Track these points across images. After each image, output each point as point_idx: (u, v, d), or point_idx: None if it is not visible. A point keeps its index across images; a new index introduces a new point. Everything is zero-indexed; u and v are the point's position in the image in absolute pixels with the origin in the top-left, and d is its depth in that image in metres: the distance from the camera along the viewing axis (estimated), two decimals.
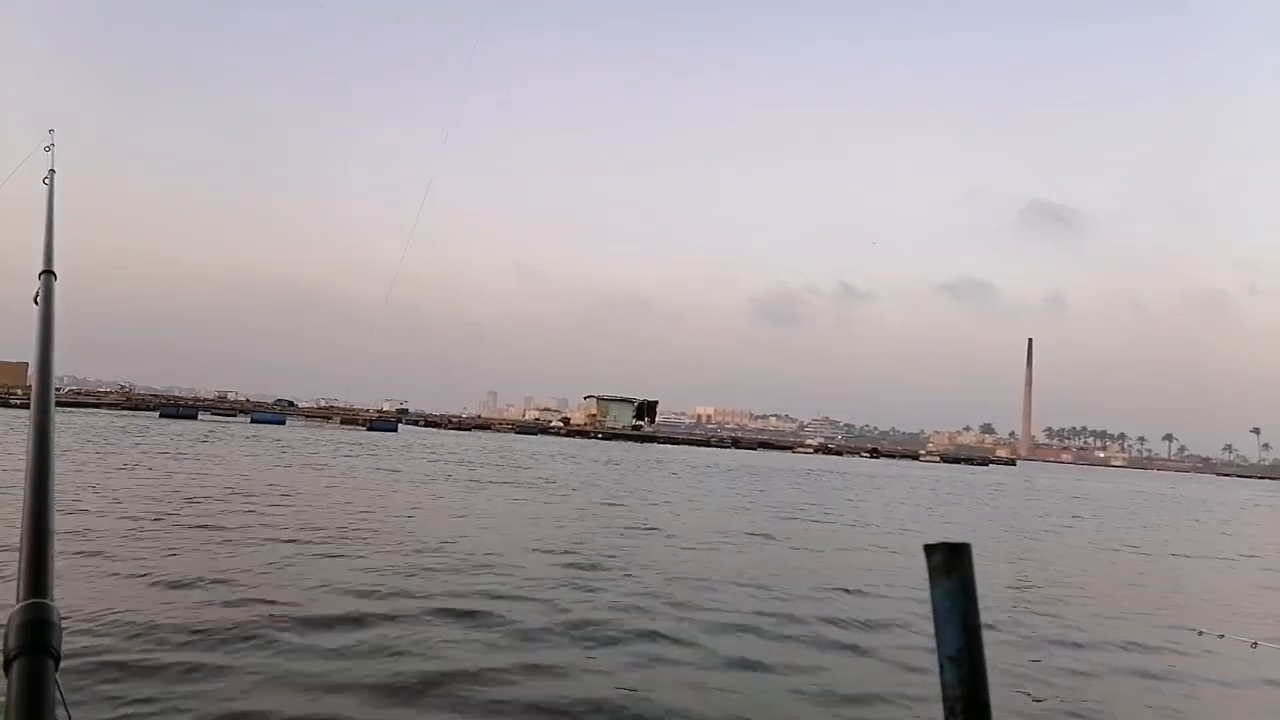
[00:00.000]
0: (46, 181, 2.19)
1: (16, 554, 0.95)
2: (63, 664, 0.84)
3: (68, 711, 0.88)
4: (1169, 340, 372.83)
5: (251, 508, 13.63)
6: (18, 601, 0.88)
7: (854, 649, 7.40)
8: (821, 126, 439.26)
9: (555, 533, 13.43)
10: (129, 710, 4.90)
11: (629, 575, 9.95)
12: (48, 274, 1.58)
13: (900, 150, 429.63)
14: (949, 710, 0.78)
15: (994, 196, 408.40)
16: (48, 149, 2.49)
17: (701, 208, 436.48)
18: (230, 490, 16.04)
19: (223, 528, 11.27)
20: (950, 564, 0.80)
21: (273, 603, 7.43)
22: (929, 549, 0.81)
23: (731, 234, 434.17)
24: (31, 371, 1.27)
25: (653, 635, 7.32)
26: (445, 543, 11.40)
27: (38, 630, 0.85)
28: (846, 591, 9.83)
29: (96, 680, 5.28)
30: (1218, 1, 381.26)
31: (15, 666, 0.82)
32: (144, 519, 11.60)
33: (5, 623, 0.85)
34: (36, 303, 1.46)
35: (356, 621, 7.06)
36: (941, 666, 0.79)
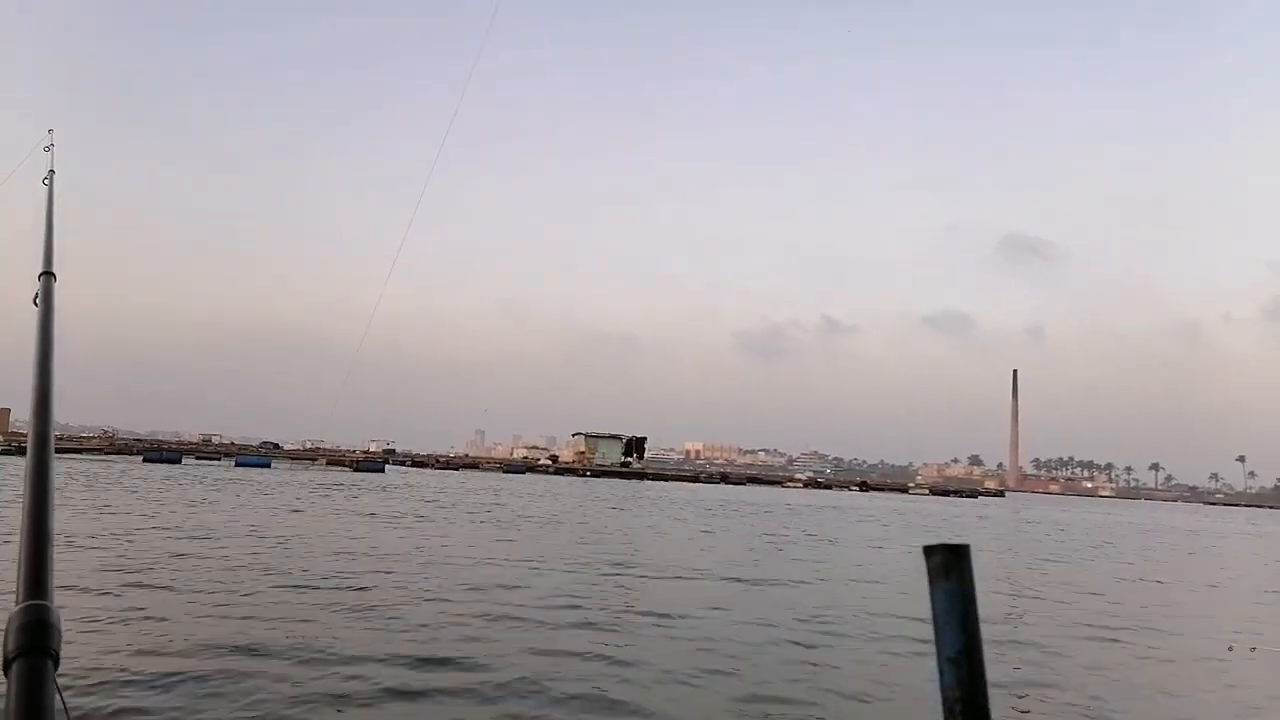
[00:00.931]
0: (46, 182, 2.19)
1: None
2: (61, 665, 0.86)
3: (67, 712, 0.89)
4: (1150, 370, 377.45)
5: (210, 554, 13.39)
6: (17, 603, 0.89)
7: None
8: (799, 161, 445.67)
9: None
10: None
11: None
12: (47, 275, 1.58)
13: (876, 184, 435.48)
14: (948, 712, 0.78)
15: (970, 230, 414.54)
16: (47, 149, 2.49)
17: (682, 243, 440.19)
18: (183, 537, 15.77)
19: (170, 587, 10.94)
20: (949, 565, 0.79)
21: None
22: (928, 550, 0.80)
23: (713, 269, 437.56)
24: (30, 373, 1.27)
25: None
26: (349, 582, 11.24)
27: (37, 632, 0.86)
28: None
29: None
30: (1188, 36, 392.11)
31: (15, 667, 0.83)
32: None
33: (5, 625, 0.86)
34: (36, 304, 1.46)
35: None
36: (940, 669, 0.78)
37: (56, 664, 0.85)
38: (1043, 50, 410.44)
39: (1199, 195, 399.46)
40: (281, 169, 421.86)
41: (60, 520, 1.15)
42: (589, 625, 9.36)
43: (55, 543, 0.99)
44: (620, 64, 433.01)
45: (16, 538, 0.99)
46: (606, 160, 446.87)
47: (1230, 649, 8.74)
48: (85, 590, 9.52)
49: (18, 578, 0.93)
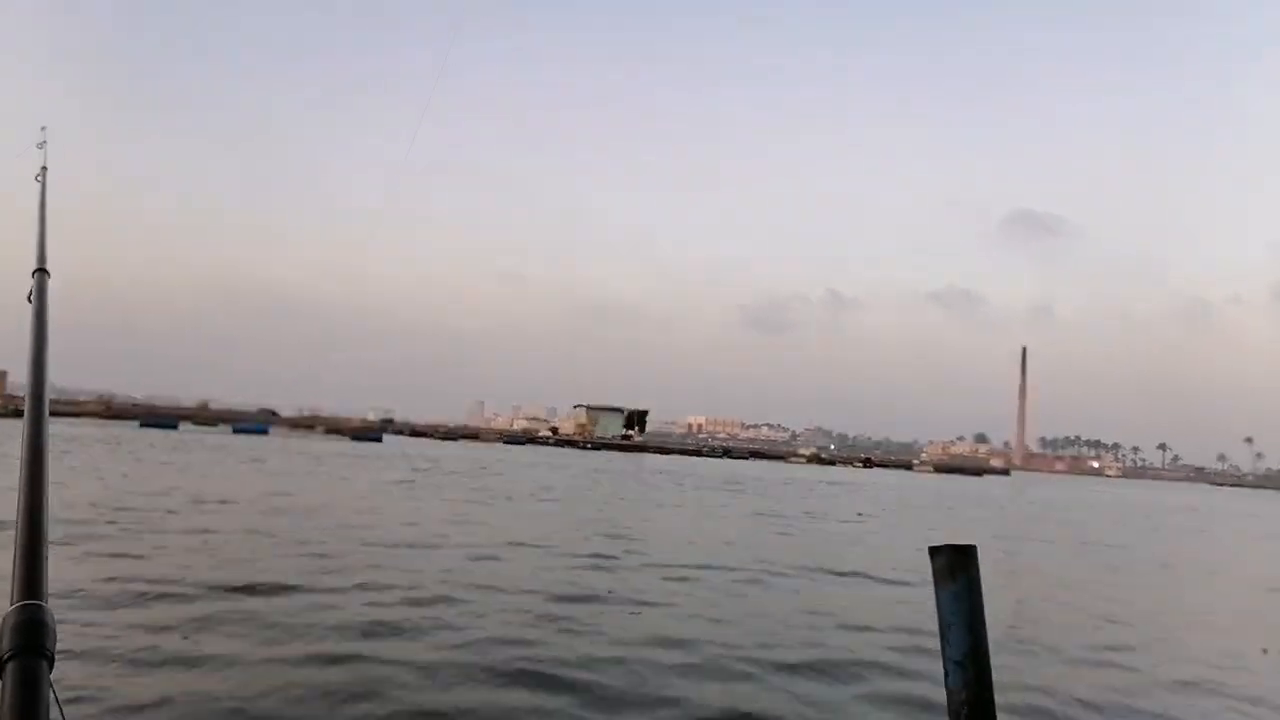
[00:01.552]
0: (39, 179, 2.19)
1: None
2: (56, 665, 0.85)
3: (61, 712, 0.87)
4: (1159, 349, 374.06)
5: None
6: (12, 604, 0.89)
7: None
8: (804, 133, 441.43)
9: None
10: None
11: None
12: (41, 272, 1.57)
13: (880, 158, 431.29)
14: (954, 715, 0.84)
15: (976, 205, 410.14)
16: (40, 146, 2.46)
17: (686, 214, 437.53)
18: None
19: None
20: (955, 566, 0.84)
21: None
22: (934, 551, 0.82)
23: (717, 240, 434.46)
24: (25, 370, 1.26)
25: None
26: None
27: (32, 632, 0.86)
28: None
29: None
30: (1202, 12, 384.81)
31: (10, 668, 0.83)
32: None
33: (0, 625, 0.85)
34: (30, 300, 1.46)
35: None
36: (946, 670, 0.83)
37: (51, 664, 0.85)
38: (1053, 24, 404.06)
39: (1210, 174, 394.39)
40: (282, 137, 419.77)
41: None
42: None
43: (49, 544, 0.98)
44: (631, 36, 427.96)
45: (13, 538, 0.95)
46: (609, 131, 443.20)
47: (1265, 651, 8.34)
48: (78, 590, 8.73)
49: (12, 577, 0.91)
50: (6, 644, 0.84)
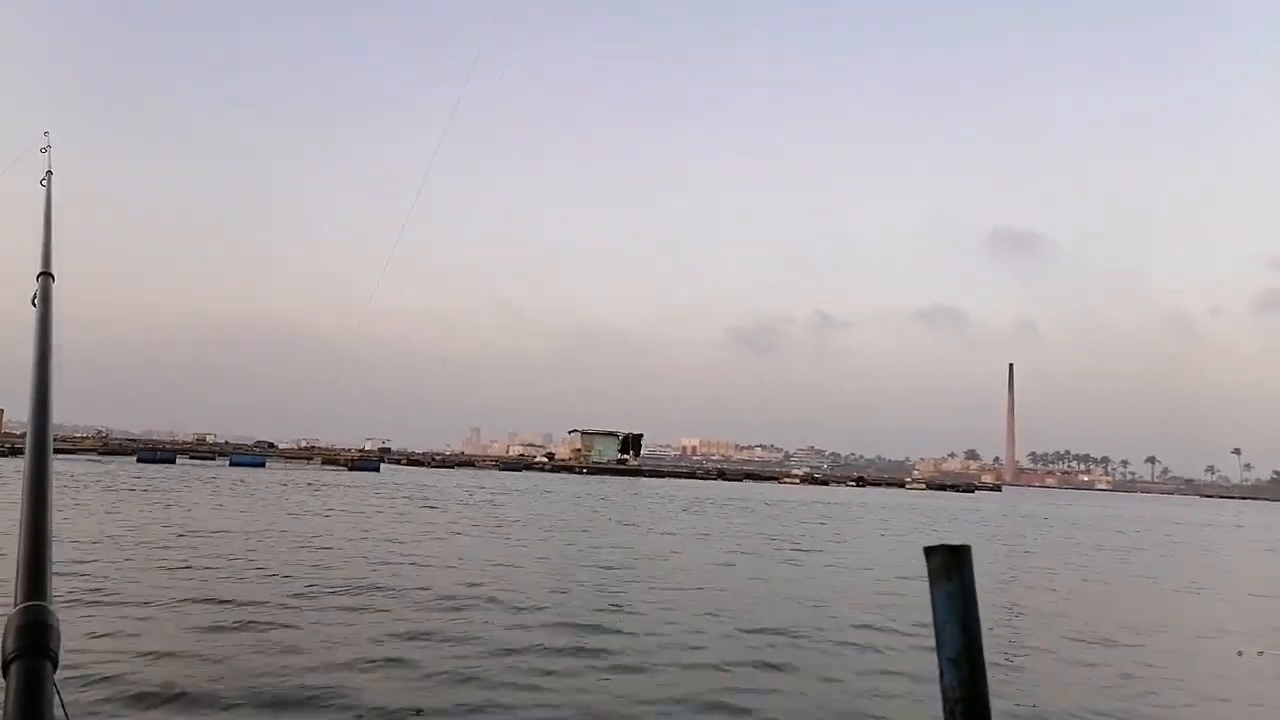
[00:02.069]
0: (44, 183, 2.22)
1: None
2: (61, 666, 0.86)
3: (65, 713, 0.89)
4: (1144, 363, 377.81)
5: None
6: (15, 604, 0.89)
7: None
8: (789, 156, 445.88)
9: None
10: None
11: None
12: (46, 275, 1.59)
13: (864, 179, 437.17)
14: (949, 713, 0.79)
15: (958, 223, 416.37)
16: (44, 150, 2.52)
17: (673, 239, 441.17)
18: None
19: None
20: (950, 566, 0.79)
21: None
22: (929, 551, 0.81)
23: (704, 264, 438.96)
24: (29, 374, 1.27)
25: None
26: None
27: (36, 633, 0.86)
28: None
29: None
30: (1180, 28, 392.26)
31: (13, 668, 0.83)
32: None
33: (4, 626, 0.86)
34: (34, 305, 1.47)
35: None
36: (941, 670, 0.79)
37: (55, 665, 0.86)
38: (1028, 42, 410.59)
39: (1189, 188, 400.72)
40: (277, 167, 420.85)
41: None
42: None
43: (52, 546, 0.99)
44: (611, 62, 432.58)
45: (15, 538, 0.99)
46: (599, 157, 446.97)
47: (1240, 654, 8.76)
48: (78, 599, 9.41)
49: (16, 579, 0.93)
50: (11, 645, 0.85)
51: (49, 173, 2.31)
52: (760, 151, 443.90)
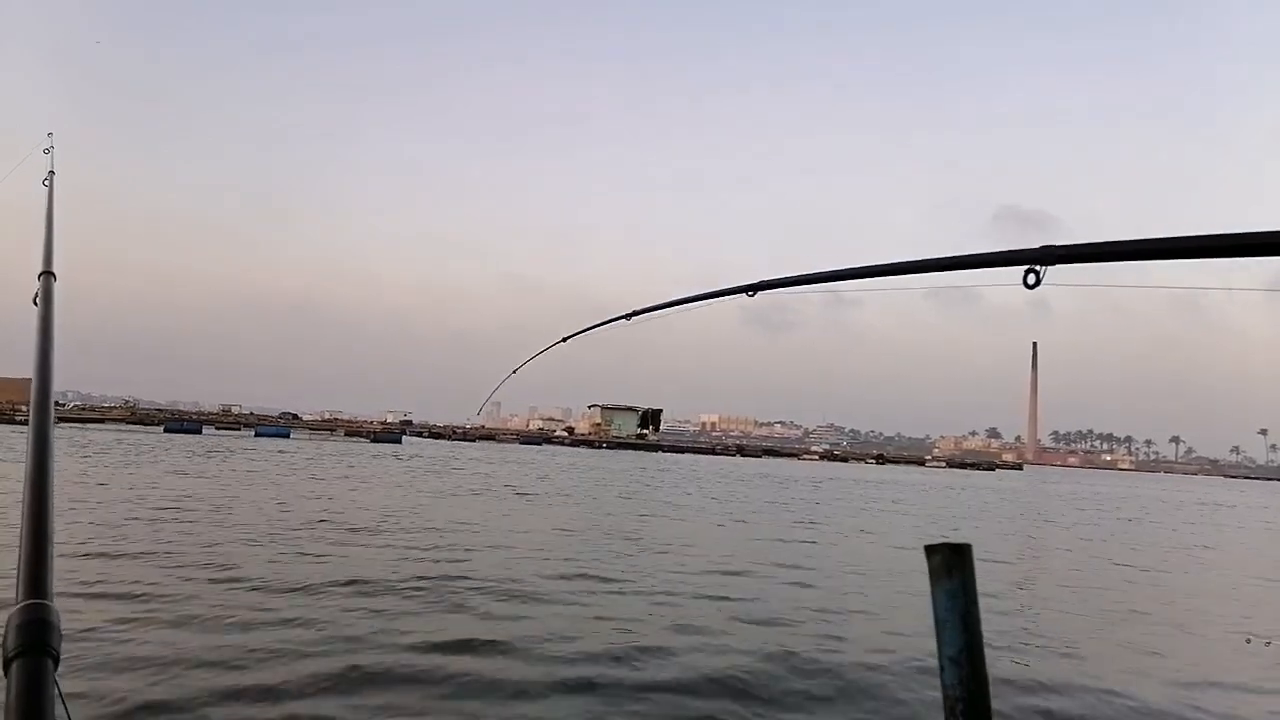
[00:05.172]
0: (46, 183, 2.23)
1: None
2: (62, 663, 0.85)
3: (67, 711, 0.89)
4: (1168, 343, 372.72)
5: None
6: (17, 602, 0.89)
7: None
8: (801, 133, 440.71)
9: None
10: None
11: None
12: (47, 275, 1.60)
13: (871, 157, 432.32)
14: (949, 712, 0.78)
15: (967, 202, 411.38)
16: (47, 151, 2.54)
17: (685, 218, 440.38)
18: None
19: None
20: (951, 565, 0.79)
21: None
22: (930, 549, 0.81)
23: (715, 243, 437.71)
24: (31, 372, 1.28)
25: None
26: None
27: (37, 630, 0.86)
28: None
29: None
30: (1190, 8, 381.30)
31: (15, 666, 0.83)
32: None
33: (5, 624, 0.86)
34: (36, 304, 1.47)
35: None
36: (942, 668, 0.79)
37: (57, 663, 0.86)
38: (1037, 23, 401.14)
39: (1205, 165, 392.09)
40: (298, 148, 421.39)
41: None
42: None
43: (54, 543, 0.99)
44: (633, 46, 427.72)
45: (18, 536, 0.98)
46: (613, 136, 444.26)
47: (1248, 641, 8.53)
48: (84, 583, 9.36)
49: (17, 576, 0.93)
50: (12, 643, 0.84)
51: (51, 173, 2.32)
52: (774, 128, 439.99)
